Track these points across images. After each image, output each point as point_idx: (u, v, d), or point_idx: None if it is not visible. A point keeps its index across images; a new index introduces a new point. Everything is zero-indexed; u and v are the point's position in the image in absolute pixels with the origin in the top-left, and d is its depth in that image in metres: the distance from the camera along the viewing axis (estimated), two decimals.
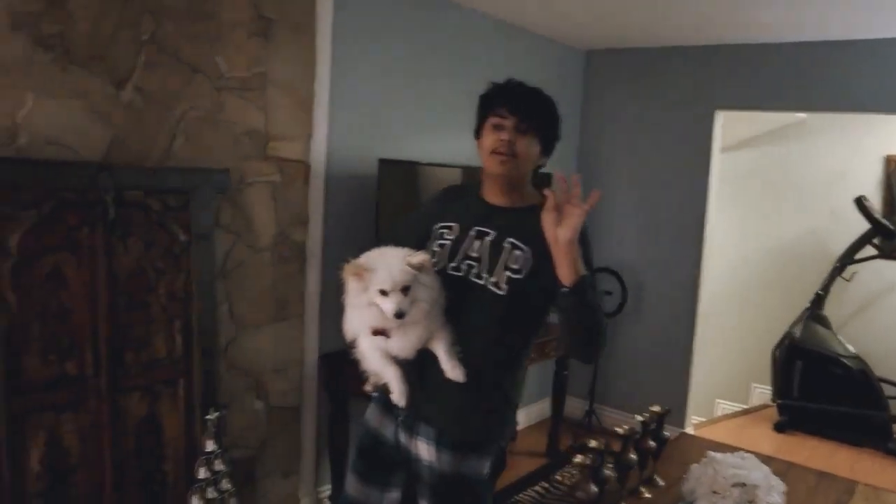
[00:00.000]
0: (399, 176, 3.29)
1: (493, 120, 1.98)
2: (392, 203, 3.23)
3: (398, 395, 1.94)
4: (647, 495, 2.50)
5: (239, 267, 2.93)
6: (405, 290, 1.84)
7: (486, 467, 2.04)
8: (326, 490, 3.49)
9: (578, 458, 2.34)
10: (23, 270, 2.22)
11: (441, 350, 1.93)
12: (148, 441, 2.57)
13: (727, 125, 4.80)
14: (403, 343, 1.91)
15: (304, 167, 3.12)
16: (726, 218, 5.72)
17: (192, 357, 2.65)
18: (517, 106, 1.96)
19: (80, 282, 2.35)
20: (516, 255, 1.96)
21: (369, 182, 3.31)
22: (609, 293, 4.82)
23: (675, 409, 4.76)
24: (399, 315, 1.83)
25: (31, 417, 2.28)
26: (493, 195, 2.06)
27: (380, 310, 1.87)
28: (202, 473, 2.51)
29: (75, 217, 2.33)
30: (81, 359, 2.38)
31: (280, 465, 3.26)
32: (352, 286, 1.92)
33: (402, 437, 2.08)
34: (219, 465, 2.56)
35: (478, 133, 2.07)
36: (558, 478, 4.17)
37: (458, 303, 1.97)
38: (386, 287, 1.84)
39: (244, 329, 2.99)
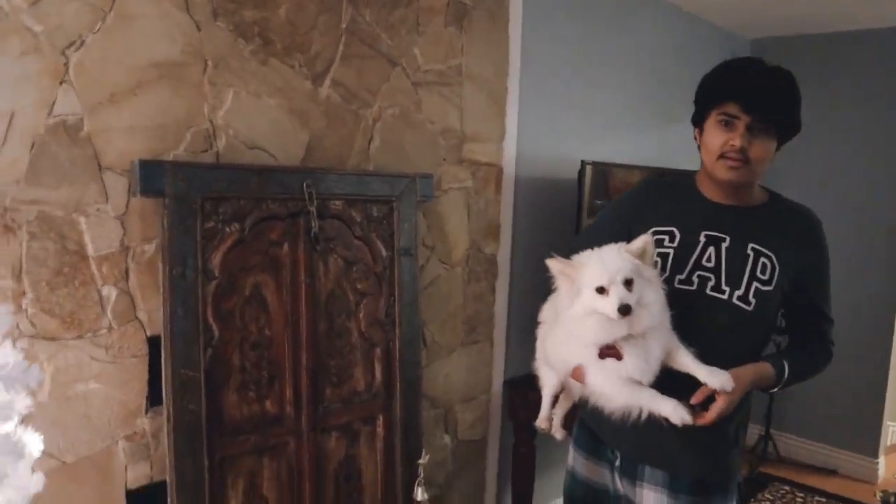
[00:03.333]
0: (602, 179, 2.89)
1: (720, 116, 1.61)
2: (595, 210, 2.83)
3: (676, 414, 1.52)
4: None
5: (432, 285, 2.58)
6: (627, 283, 1.48)
7: None
8: None
9: None
10: (224, 294, 1.92)
11: (686, 358, 1.55)
12: (346, 488, 2.24)
13: None
14: (640, 363, 1.52)
15: (497, 171, 2.76)
16: None
17: (392, 390, 2.31)
18: (754, 103, 1.56)
19: (280, 307, 2.04)
20: (763, 262, 1.63)
21: (566, 186, 2.92)
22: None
23: (866, 437, 4.22)
24: (624, 310, 1.45)
25: (231, 462, 1.97)
26: (717, 194, 1.70)
27: (601, 319, 1.49)
28: None
29: (276, 232, 2.02)
30: (281, 395, 2.06)
31: (464, 503, 2.91)
32: (562, 292, 1.57)
33: (622, 485, 1.77)
34: None
35: (697, 121, 1.70)
36: None
37: (689, 322, 1.59)
38: (603, 281, 1.48)
39: (436, 356, 2.65)
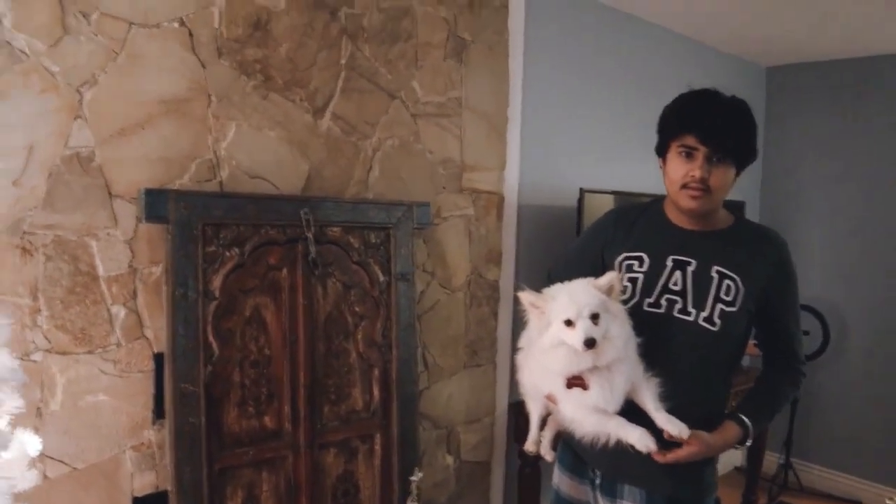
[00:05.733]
0: (601, 208, 2.97)
1: (679, 147, 1.69)
2: None
3: (641, 442, 1.61)
4: None
5: (432, 310, 2.68)
6: (594, 317, 1.56)
7: None
8: None
9: None
10: (224, 315, 2.05)
11: (649, 403, 1.64)
12: (343, 503, 2.33)
13: None
14: (605, 394, 1.61)
15: (498, 199, 2.86)
16: None
17: (389, 409, 2.40)
18: (710, 135, 1.64)
19: (279, 327, 2.16)
20: (727, 284, 1.70)
21: (566, 214, 3.01)
22: (807, 333, 4.28)
23: (892, 468, 4.15)
24: (589, 343, 1.53)
25: (231, 474, 2.08)
26: (683, 219, 1.79)
27: (568, 351, 1.57)
28: None
29: (275, 256, 2.14)
30: (280, 411, 2.17)
31: None
32: (533, 323, 1.67)
33: (602, 503, 1.83)
34: None
35: (660, 151, 1.79)
36: None
37: (658, 344, 1.67)
38: (570, 314, 1.56)
39: (437, 377, 2.73)
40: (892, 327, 4.16)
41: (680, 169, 1.69)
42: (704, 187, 1.67)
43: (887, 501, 2.34)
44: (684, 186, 1.69)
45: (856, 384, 4.33)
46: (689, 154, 1.68)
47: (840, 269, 4.38)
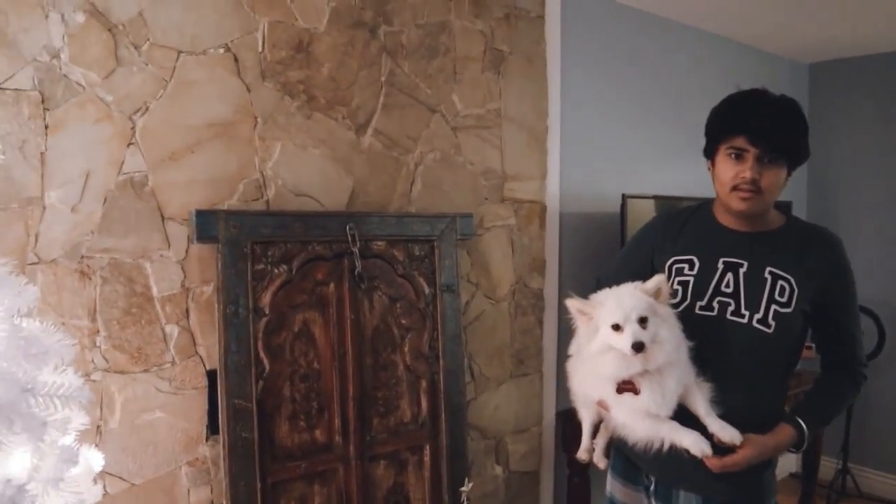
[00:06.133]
0: (644, 213, 2.96)
1: (729, 149, 1.68)
2: None
3: (696, 446, 1.60)
4: None
5: (477, 320, 2.70)
6: (642, 321, 1.55)
7: None
8: None
9: None
10: (274, 330, 2.09)
11: (700, 408, 1.63)
12: None
13: None
14: (656, 397, 1.60)
15: (540, 208, 2.87)
16: None
17: (438, 421, 2.42)
18: (759, 135, 1.62)
19: (328, 341, 2.19)
20: (781, 285, 1.67)
21: (609, 220, 3.00)
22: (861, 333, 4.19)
23: None
24: (638, 346, 1.53)
25: (283, 488, 2.12)
26: (733, 221, 1.77)
27: (617, 355, 1.57)
28: None
29: (322, 272, 2.18)
30: (330, 424, 2.20)
31: None
32: (581, 330, 1.67)
33: None
34: None
35: (708, 154, 1.77)
36: None
37: (711, 347, 1.66)
38: (618, 319, 1.56)
39: (484, 388, 2.75)
40: None
41: (730, 170, 1.68)
42: (755, 188, 1.66)
43: None
44: (735, 188, 1.68)
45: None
46: (738, 155, 1.67)
47: (894, 268, 4.27)
